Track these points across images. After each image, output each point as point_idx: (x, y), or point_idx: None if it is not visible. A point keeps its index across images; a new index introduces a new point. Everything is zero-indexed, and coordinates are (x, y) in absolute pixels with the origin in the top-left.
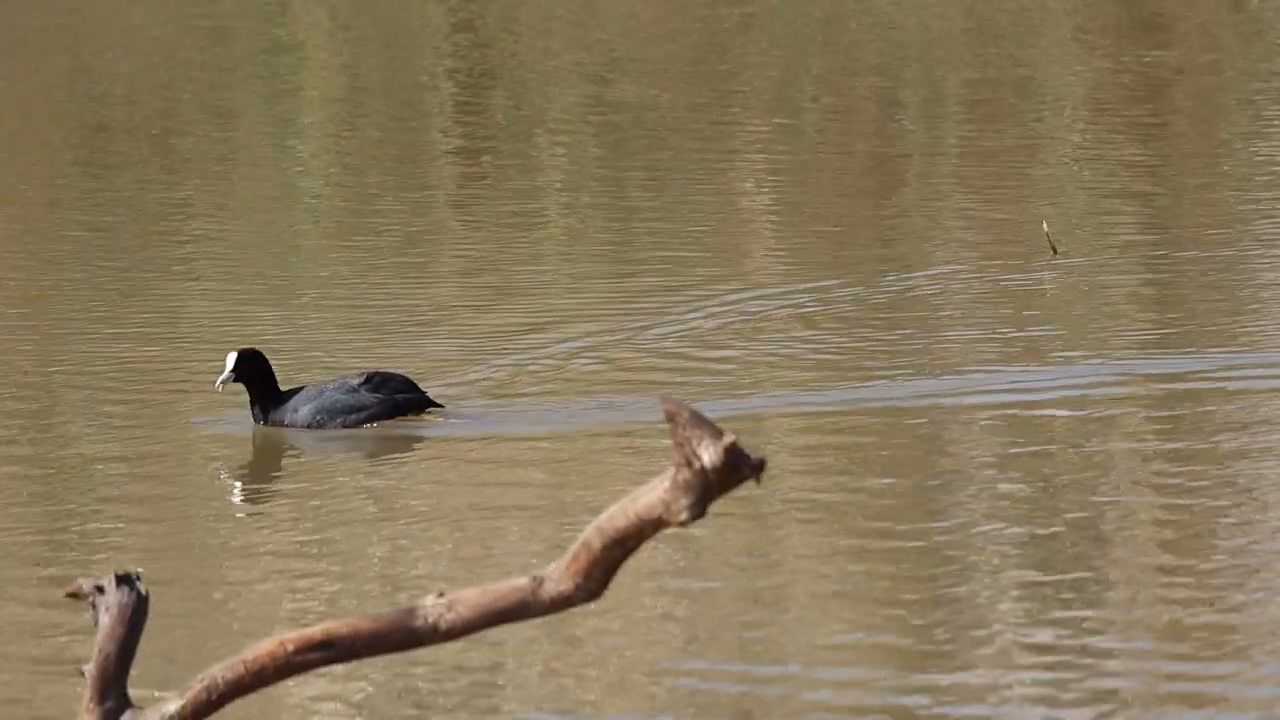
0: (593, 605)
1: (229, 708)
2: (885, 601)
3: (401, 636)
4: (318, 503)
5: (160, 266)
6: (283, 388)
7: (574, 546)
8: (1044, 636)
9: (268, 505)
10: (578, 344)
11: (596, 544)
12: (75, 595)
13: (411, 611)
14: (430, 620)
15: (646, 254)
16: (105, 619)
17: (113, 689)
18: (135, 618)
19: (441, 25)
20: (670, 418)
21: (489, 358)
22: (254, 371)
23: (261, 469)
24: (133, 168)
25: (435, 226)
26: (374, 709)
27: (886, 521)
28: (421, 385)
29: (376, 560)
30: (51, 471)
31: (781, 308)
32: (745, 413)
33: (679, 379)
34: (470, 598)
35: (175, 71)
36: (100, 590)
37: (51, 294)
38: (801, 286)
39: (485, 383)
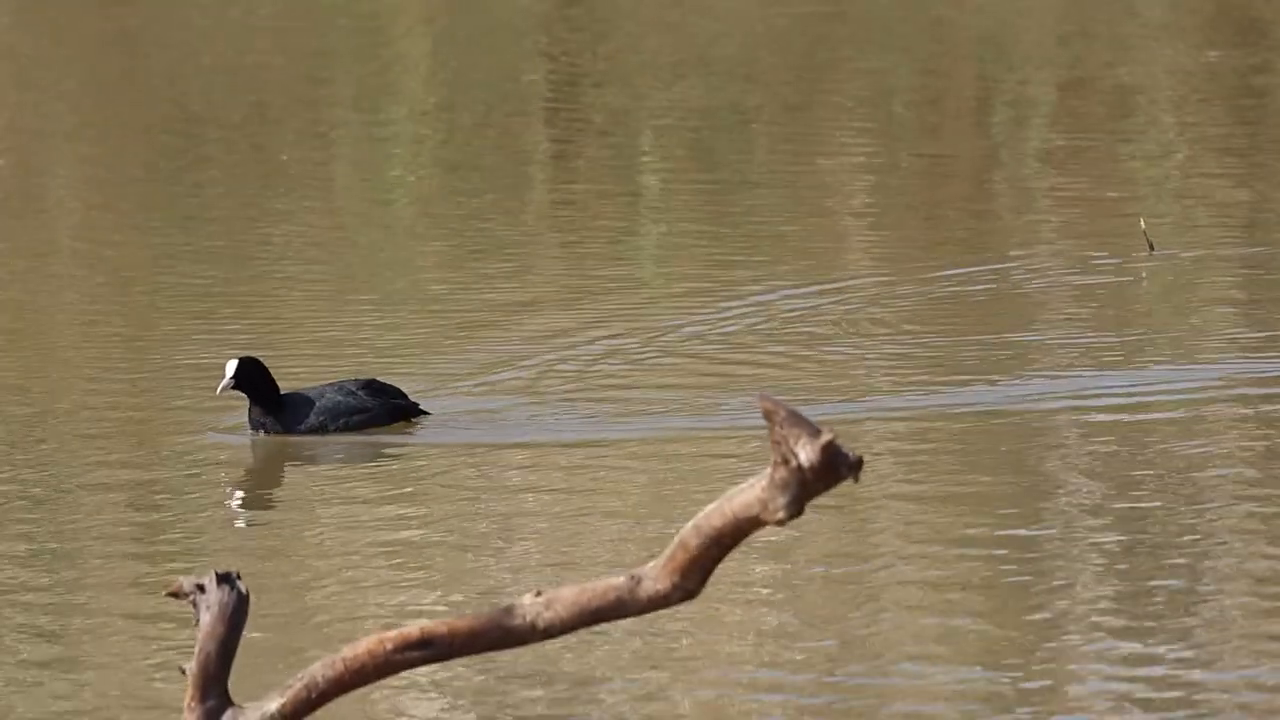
0: (685, 610)
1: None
2: (979, 611)
3: (499, 635)
4: (398, 506)
5: (254, 268)
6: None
7: (671, 545)
8: (1140, 646)
9: (351, 507)
10: (666, 341)
11: (693, 543)
12: (176, 594)
13: (509, 610)
14: (528, 619)
15: (737, 254)
16: (206, 618)
17: (213, 688)
18: (236, 617)
19: (535, 24)
20: (768, 416)
21: (582, 356)
22: (254, 379)
23: (340, 472)
24: (225, 168)
25: (528, 227)
26: (466, 708)
27: (980, 528)
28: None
29: (465, 561)
30: (148, 469)
31: (872, 308)
32: (838, 415)
33: (772, 378)
34: (568, 596)
35: (268, 70)
36: (201, 589)
37: (145, 294)
38: (893, 286)
39: (580, 383)
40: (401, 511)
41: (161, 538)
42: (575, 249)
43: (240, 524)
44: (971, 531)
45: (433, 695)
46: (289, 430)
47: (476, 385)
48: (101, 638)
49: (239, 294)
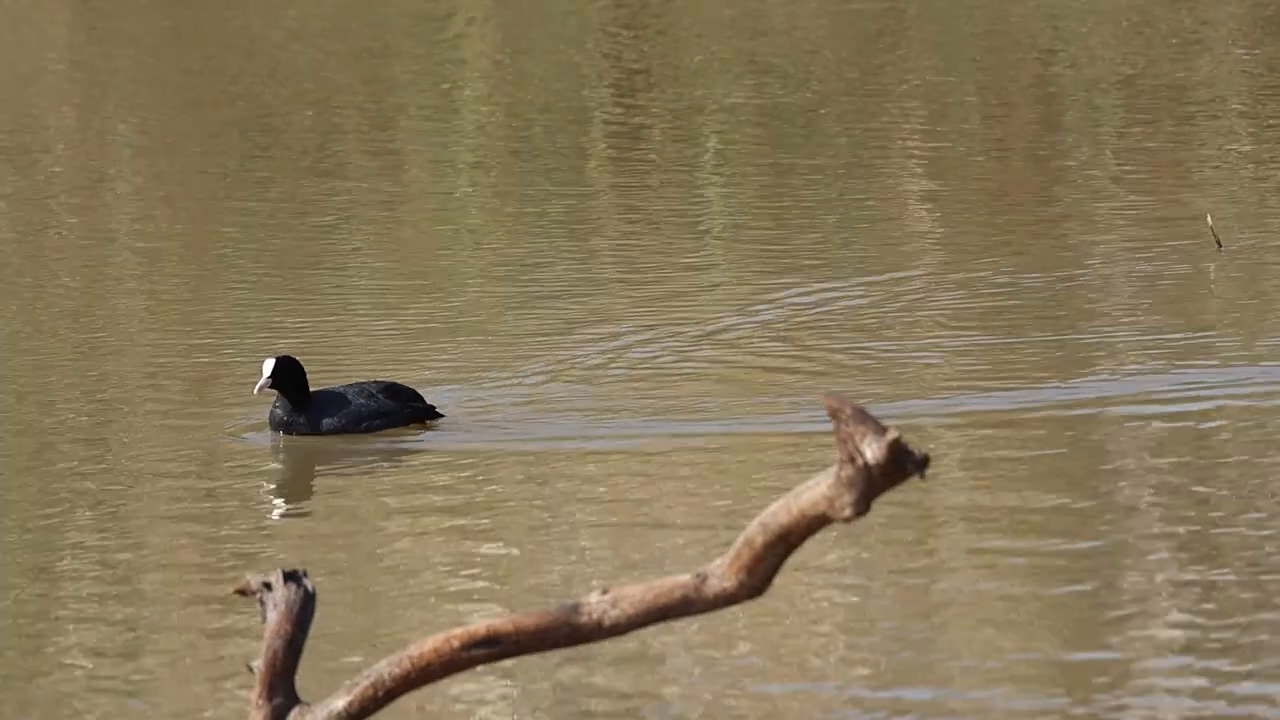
0: (749, 616)
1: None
2: (1042, 614)
3: (566, 632)
4: (458, 506)
5: (320, 265)
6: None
7: (737, 543)
8: (1208, 657)
9: (410, 507)
10: (726, 339)
11: (759, 540)
12: (243, 592)
13: (576, 607)
14: (594, 616)
15: (798, 251)
16: (273, 616)
17: (281, 685)
18: (303, 615)
19: (600, 22)
20: (833, 414)
21: (640, 355)
22: (291, 378)
23: (393, 473)
24: (286, 166)
25: (594, 227)
26: (531, 707)
27: (1044, 530)
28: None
29: (527, 560)
30: (208, 467)
31: (934, 305)
32: (901, 414)
33: (834, 376)
34: (634, 594)
35: (329, 68)
36: (268, 587)
37: (206, 292)
38: (954, 284)
39: (640, 382)
40: (462, 511)
41: (225, 536)
42: (635, 246)
43: (302, 524)
44: (1035, 533)
45: (496, 694)
46: (315, 430)
47: (537, 384)
48: (169, 636)
49: (299, 291)
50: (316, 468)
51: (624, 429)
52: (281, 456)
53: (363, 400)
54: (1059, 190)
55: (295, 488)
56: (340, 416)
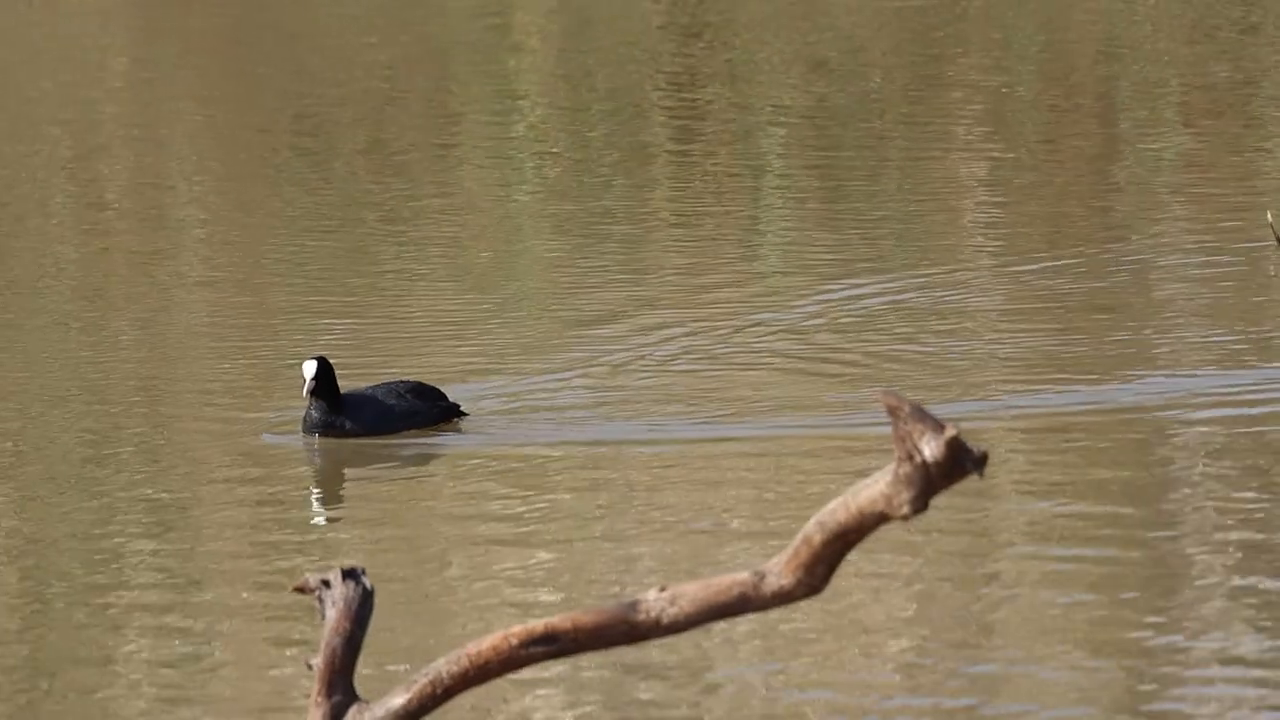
0: (801, 618)
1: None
2: (1102, 616)
3: (623, 630)
4: (511, 505)
5: (378, 263)
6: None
7: (795, 541)
8: (1265, 648)
9: (464, 507)
10: (782, 336)
11: (817, 538)
12: (302, 590)
13: (634, 605)
14: (652, 614)
15: (855, 249)
16: (331, 614)
17: (339, 683)
18: (361, 612)
19: (659, 19)
20: (892, 412)
21: (696, 353)
22: (327, 381)
23: (446, 472)
24: (345, 167)
25: (648, 224)
26: (587, 705)
27: (1103, 529)
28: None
29: (582, 558)
30: (269, 467)
31: (994, 304)
32: (956, 414)
33: (889, 374)
34: (692, 591)
35: (388, 68)
36: (326, 585)
37: (263, 292)
38: (1015, 282)
39: (693, 380)
40: (514, 510)
41: (278, 537)
42: (690, 244)
43: (353, 523)
44: (1093, 533)
45: (553, 692)
46: (351, 432)
47: (588, 382)
48: (227, 634)
49: (352, 289)
50: (361, 469)
51: (677, 428)
52: (321, 458)
53: (394, 400)
54: (1116, 188)
55: (343, 488)
56: (375, 417)
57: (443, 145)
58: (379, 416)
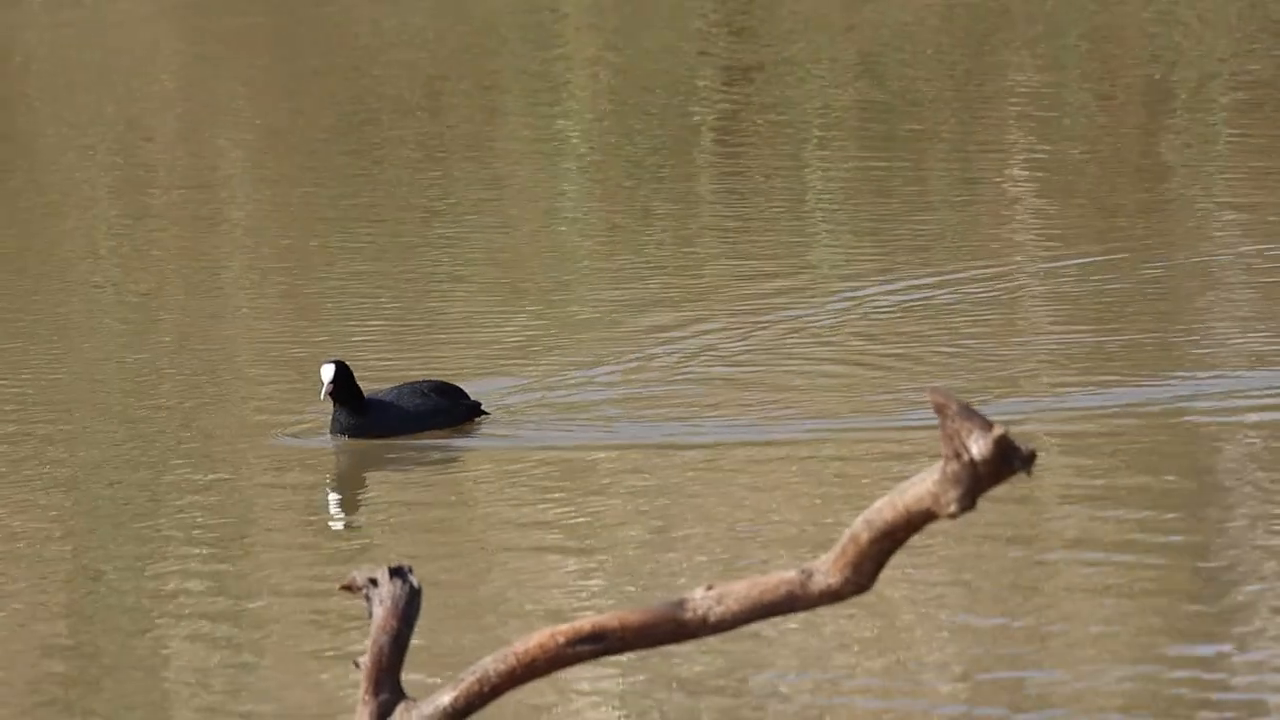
0: (846, 619)
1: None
2: (1149, 618)
3: (670, 629)
4: (555, 505)
5: (425, 262)
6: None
7: (842, 539)
8: None
9: (509, 506)
10: (826, 334)
11: (864, 537)
12: (349, 589)
13: (681, 604)
14: (699, 612)
15: (901, 246)
16: (379, 612)
17: (387, 681)
18: (408, 611)
19: (706, 18)
20: (939, 410)
21: (739, 351)
22: (346, 383)
23: (490, 472)
24: (393, 165)
25: (695, 222)
26: (633, 703)
27: (1148, 530)
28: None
29: (626, 557)
30: (319, 468)
31: (1041, 302)
32: (1003, 413)
33: (934, 372)
34: (739, 590)
35: (441, 66)
36: (374, 583)
37: (312, 293)
38: (1063, 280)
39: (734, 380)
40: (558, 510)
41: (324, 536)
42: (736, 242)
43: (402, 523)
44: (1140, 536)
45: (595, 691)
46: (379, 432)
47: (632, 380)
48: (275, 634)
49: (400, 288)
50: (398, 470)
51: (720, 428)
52: (355, 459)
53: (418, 400)
54: (1166, 185)
55: (380, 490)
56: (400, 417)
57: (487, 141)
58: (404, 417)
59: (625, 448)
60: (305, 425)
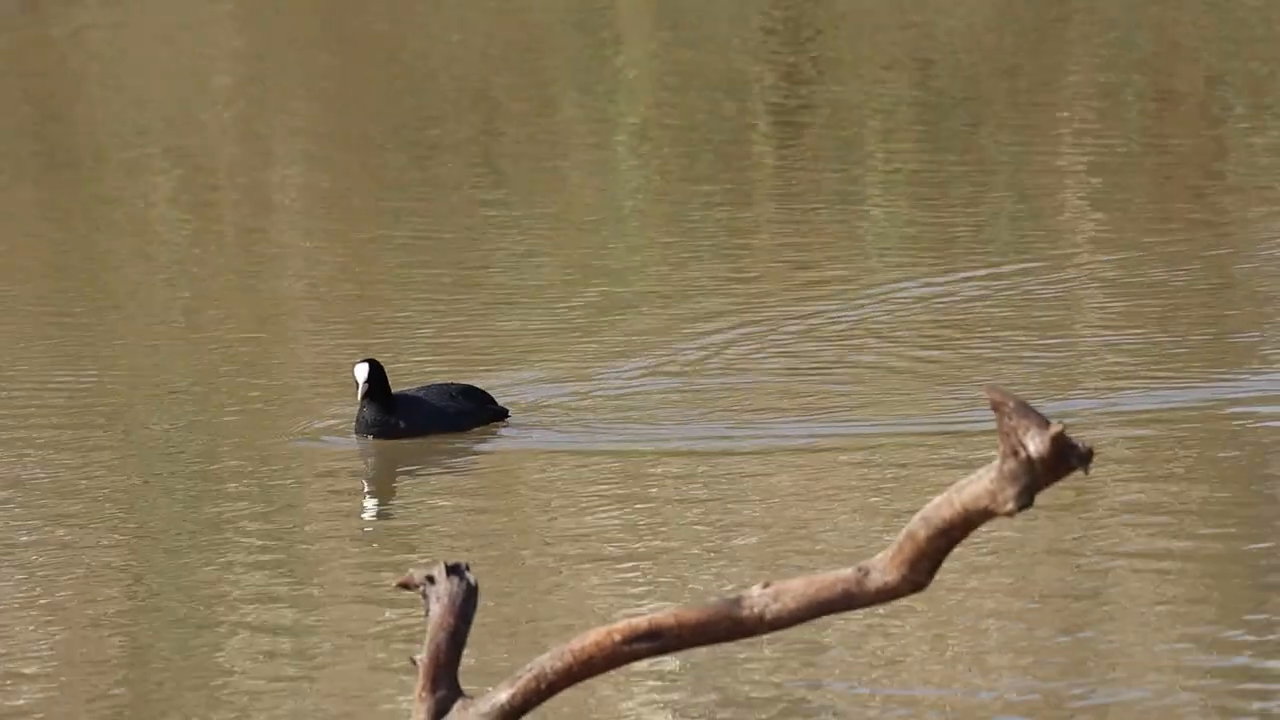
0: (902, 617)
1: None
2: (1208, 620)
3: (727, 626)
4: (608, 504)
5: (480, 259)
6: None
7: (899, 537)
8: None
9: (561, 505)
10: (887, 334)
11: (922, 534)
12: (406, 586)
13: (737, 601)
14: (756, 610)
15: (958, 244)
16: (436, 609)
17: (444, 678)
18: (465, 608)
19: (762, 15)
20: (996, 407)
21: (791, 349)
22: (380, 382)
23: (556, 472)
24: (451, 169)
25: (751, 221)
26: (686, 702)
27: (1207, 532)
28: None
29: (679, 557)
30: (365, 467)
31: (1097, 300)
32: (1059, 412)
33: (993, 371)
34: (796, 588)
35: (498, 68)
36: (431, 581)
37: (370, 295)
38: (1119, 278)
39: (799, 379)
40: (610, 509)
41: (378, 534)
42: (791, 241)
43: (451, 523)
44: (1199, 534)
45: (649, 691)
46: (404, 432)
47: (685, 379)
48: (331, 631)
49: (461, 289)
50: (441, 469)
51: (774, 426)
52: (397, 458)
53: (445, 401)
54: (1222, 183)
55: (427, 489)
56: (427, 418)
57: (542, 137)
58: (430, 417)
59: (676, 447)
60: (345, 425)
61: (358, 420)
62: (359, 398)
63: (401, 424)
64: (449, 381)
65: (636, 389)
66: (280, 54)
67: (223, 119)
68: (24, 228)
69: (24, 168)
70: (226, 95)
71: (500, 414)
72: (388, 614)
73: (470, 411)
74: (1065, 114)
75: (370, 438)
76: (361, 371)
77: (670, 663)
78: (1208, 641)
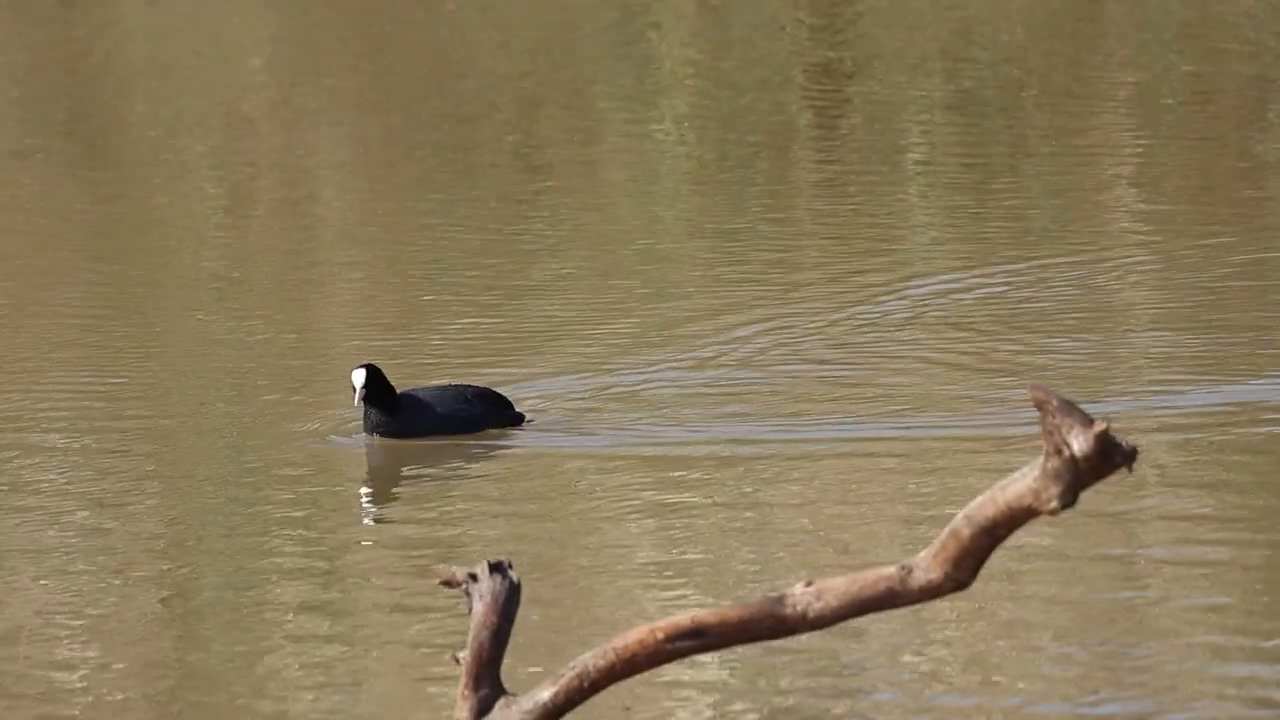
0: (941, 620)
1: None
2: (1261, 631)
3: (770, 625)
4: (649, 503)
5: (519, 260)
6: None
7: (942, 535)
8: None
9: (607, 503)
10: (926, 332)
11: (965, 532)
12: (449, 584)
13: (780, 599)
14: (799, 608)
15: (998, 241)
16: (479, 607)
17: (487, 676)
18: (508, 606)
19: (800, 10)
20: (1040, 405)
21: (836, 348)
22: (379, 387)
23: (597, 471)
24: (490, 165)
25: (790, 221)
26: (727, 701)
27: (1252, 537)
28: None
29: (718, 555)
30: (421, 465)
31: (1138, 299)
32: (1104, 411)
33: (1036, 368)
34: (839, 586)
35: (536, 65)
36: (474, 578)
37: (413, 293)
38: (1160, 277)
39: (837, 378)
40: (652, 509)
41: (427, 529)
42: (834, 237)
43: (490, 522)
44: (1243, 535)
45: (691, 688)
46: (407, 432)
47: (723, 378)
48: (373, 630)
49: (501, 289)
50: (478, 467)
51: (814, 424)
52: (434, 456)
53: (458, 405)
54: (1265, 181)
55: (462, 488)
56: (433, 420)
57: (580, 140)
58: (434, 420)
59: (720, 445)
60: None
61: (364, 419)
62: (355, 403)
63: (403, 425)
64: (466, 384)
65: (674, 386)
66: (320, 45)
67: (258, 114)
68: (62, 226)
69: (61, 159)
70: (262, 98)
71: (515, 419)
72: (428, 611)
73: (478, 417)
74: (1105, 109)
75: (377, 436)
76: (358, 378)
77: (710, 666)
78: (1250, 650)
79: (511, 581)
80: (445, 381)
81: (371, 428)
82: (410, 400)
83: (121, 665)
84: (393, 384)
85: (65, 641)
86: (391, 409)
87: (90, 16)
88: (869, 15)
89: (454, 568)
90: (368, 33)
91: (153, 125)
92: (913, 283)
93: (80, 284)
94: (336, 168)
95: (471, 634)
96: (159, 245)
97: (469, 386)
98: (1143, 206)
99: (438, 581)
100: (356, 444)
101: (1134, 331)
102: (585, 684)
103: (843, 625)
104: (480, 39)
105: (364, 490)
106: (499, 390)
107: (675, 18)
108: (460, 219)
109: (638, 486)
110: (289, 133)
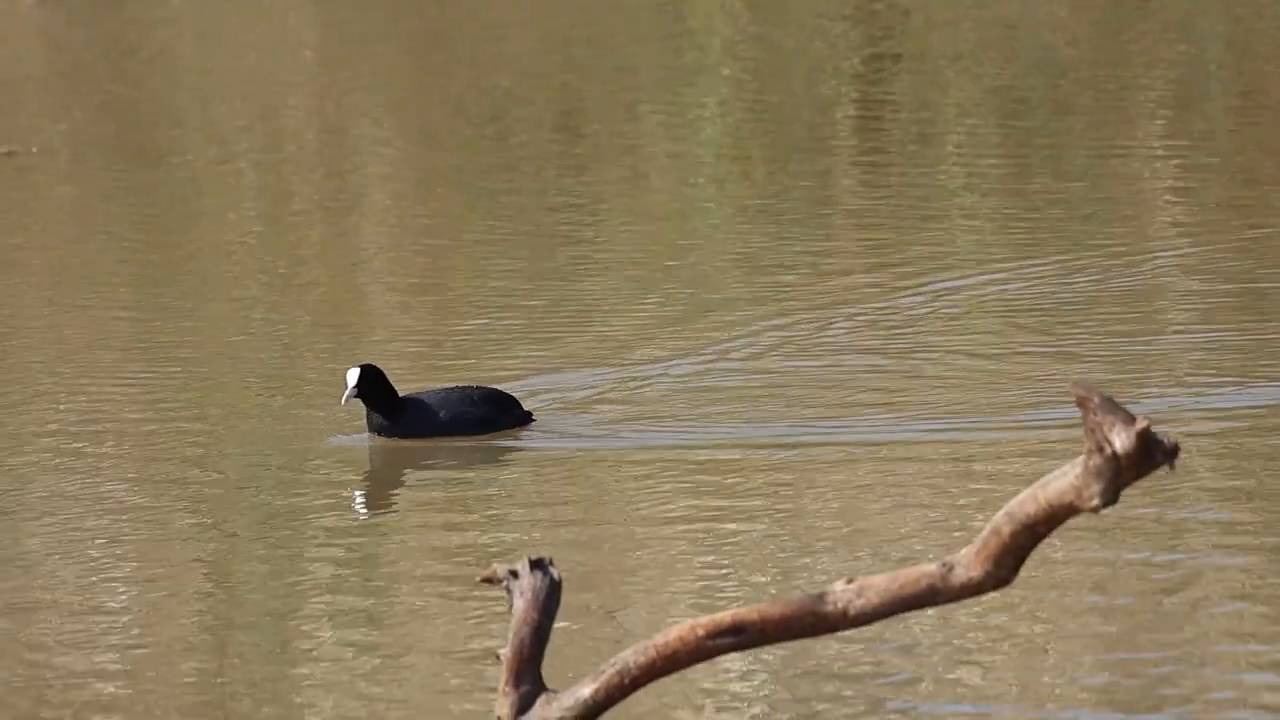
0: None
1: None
2: None
3: (811, 622)
4: (689, 501)
5: (559, 256)
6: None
7: (984, 532)
8: None
9: (645, 502)
10: (967, 329)
11: (1006, 530)
12: (490, 581)
13: (821, 597)
14: (840, 606)
15: (1041, 238)
16: (519, 604)
17: (528, 672)
18: (549, 603)
19: (843, 5)
20: (1081, 403)
21: (874, 347)
22: (374, 387)
23: (634, 469)
24: (531, 162)
25: (834, 217)
26: (767, 697)
27: None
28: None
29: (757, 554)
30: (462, 466)
31: (1181, 295)
32: (1146, 409)
33: (1076, 367)
34: (879, 584)
35: (576, 62)
36: (514, 575)
37: (453, 289)
38: (1202, 274)
39: (878, 376)
40: (689, 507)
41: (467, 524)
42: (875, 234)
43: (527, 521)
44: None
45: (727, 688)
46: (407, 433)
47: (761, 376)
48: (414, 626)
49: (545, 286)
50: (513, 467)
51: (852, 423)
52: (472, 456)
53: (463, 407)
54: None
55: (498, 488)
56: (435, 423)
57: (622, 135)
58: (435, 423)
59: (759, 445)
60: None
61: (367, 419)
62: (343, 403)
63: (402, 427)
64: (473, 385)
65: (715, 383)
66: (364, 46)
67: (302, 109)
68: (106, 225)
69: (103, 156)
70: (306, 85)
71: (523, 419)
72: (472, 608)
73: (481, 419)
74: (1148, 107)
75: (380, 436)
76: (351, 376)
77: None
78: None
79: (552, 578)
80: (452, 384)
81: (374, 428)
82: (413, 403)
83: (161, 653)
84: (394, 386)
85: (100, 650)
86: (390, 411)
87: (138, 14)
88: (914, 9)
89: (495, 564)
90: (412, 23)
91: (198, 123)
92: (949, 279)
93: (124, 282)
94: (379, 160)
95: (512, 631)
96: (203, 242)
97: (476, 388)
98: (1185, 202)
99: (479, 578)
100: (376, 442)
101: (1175, 328)
102: (626, 680)
103: (877, 628)
104: (521, 32)
105: (393, 492)
106: (517, 387)
107: (716, 8)
108: (502, 214)
109: (673, 487)
110: (332, 131)
